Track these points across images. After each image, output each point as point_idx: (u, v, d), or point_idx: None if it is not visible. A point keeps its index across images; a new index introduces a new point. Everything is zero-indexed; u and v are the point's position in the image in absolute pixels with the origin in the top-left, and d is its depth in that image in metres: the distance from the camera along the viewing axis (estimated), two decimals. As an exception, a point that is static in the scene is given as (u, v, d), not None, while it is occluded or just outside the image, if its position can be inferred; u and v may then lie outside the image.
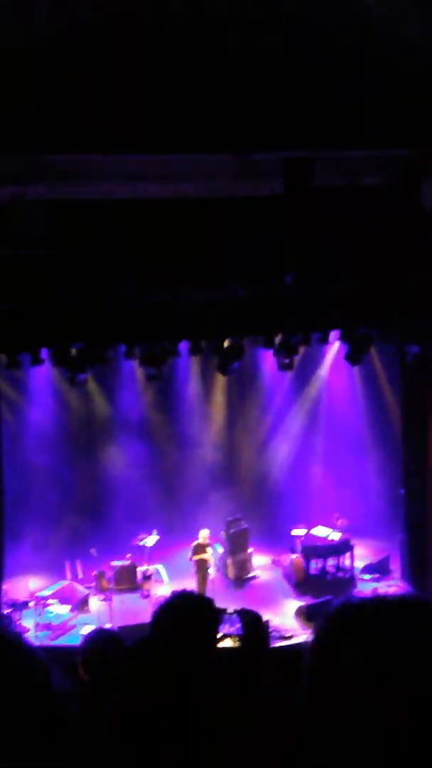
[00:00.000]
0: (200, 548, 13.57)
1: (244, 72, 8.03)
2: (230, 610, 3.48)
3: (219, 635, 3.15)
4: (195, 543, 13.63)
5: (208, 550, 13.70)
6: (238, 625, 3.51)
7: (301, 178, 7.51)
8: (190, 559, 13.60)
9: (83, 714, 3.43)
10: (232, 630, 3.39)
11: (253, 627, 3.39)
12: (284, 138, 7.90)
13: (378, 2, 7.76)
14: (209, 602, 3.26)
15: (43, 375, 14.60)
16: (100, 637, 4.22)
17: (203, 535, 13.75)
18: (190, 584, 13.61)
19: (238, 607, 3.64)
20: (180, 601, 3.20)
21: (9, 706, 1.54)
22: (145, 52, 7.82)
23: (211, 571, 13.62)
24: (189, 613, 3.12)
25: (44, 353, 11.17)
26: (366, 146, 7.89)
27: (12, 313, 9.85)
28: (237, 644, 3.39)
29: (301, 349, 12.73)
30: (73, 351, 11.04)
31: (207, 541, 13.72)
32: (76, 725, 2.96)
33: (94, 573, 14.16)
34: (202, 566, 13.53)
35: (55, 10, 7.29)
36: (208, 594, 13.13)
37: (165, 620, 3.11)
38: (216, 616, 3.23)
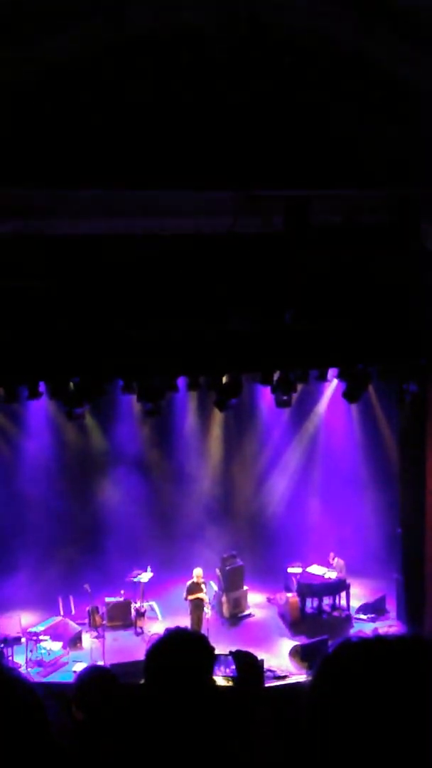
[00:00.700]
0: (195, 587, 13.42)
1: (246, 114, 8.15)
2: (225, 651, 3.45)
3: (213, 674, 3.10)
4: (190, 582, 13.50)
5: (203, 588, 13.54)
6: (233, 667, 3.47)
7: (301, 216, 7.59)
8: (186, 599, 13.45)
9: (80, 750, 3.37)
10: (227, 671, 3.36)
11: (248, 669, 3.36)
12: (285, 177, 7.99)
13: (376, 44, 7.91)
14: (203, 639, 3.23)
15: (41, 408, 14.58)
16: (93, 674, 4.16)
17: (197, 574, 13.61)
18: (185, 622, 13.45)
19: (233, 648, 3.60)
20: (173, 638, 3.17)
21: (7, 740, 1.51)
22: (149, 95, 7.95)
23: (207, 610, 13.43)
24: (183, 650, 3.09)
25: (42, 387, 11.17)
26: (364, 186, 7.99)
27: (10, 346, 9.87)
28: (230, 684, 3.36)
29: (299, 386, 12.74)
30: (71, 385, 11.04)
31: (201, 580, 13.57)
32: (73, 760, 2.91)
33: (88, 609, 14.00)
34: (197, 606, 13.37)
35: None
36: (203, 633, 13.00)
37: (159, 659, 3.08)
38: (210, 653, 3.19)
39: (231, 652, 3.40)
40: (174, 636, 3.17)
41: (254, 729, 3.14)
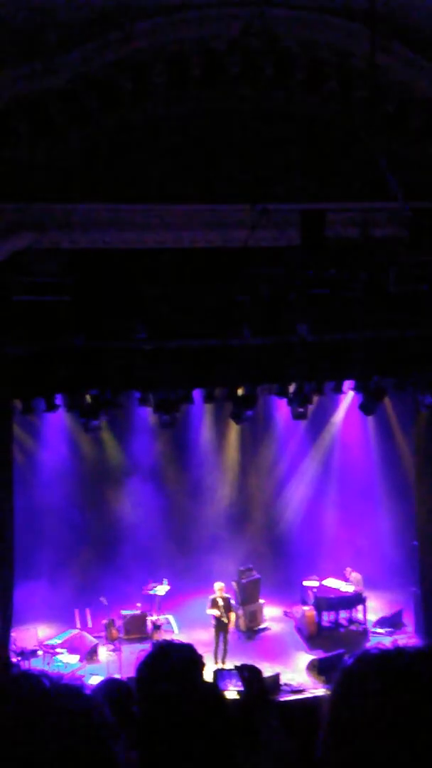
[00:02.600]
0: (213, 603, 13.32)
1: (261, 127, 8.20)
2: (230, 666, 3.48)
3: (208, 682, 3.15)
4: (212, 597, 13.39)
5: (219, 603, 13.34)
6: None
7: (317, 229, 7.61)
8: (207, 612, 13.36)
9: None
10: (238, 683, 3.38)
11: (253, 682, 3.37)
12: (301, 190, 8.02)
13: (392, 59, 7.94)
14: (190, 649, 3.26)
15: (58, 420, 14.63)
16: (109, 687, 4.16)
17: (218, 587, 13.50)
18: (201, 635, 13.43)
19: (247, 662, 3.62)
20: (160, 651, 3.20)
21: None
22: (164, 109, 8.01)
23: (226, 620, 13.26)
24: (170, 662, 3.12)
25: (59, 399, 11.22)
26: (380, 198, 8.00)
27: (28, 359, 9.94)
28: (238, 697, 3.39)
29: (315, 398, 12.73)
30: (88, 397, 11.09)
31: (220, 595, 13.43)
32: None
33: (104, 622, 14.00)
34: (218, 621, 13.27)
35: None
36: (221, 648, 12.94)
37: (147, 672, 3.11)
38: (198, 662, 3.22)
39: (236, 666, 3.42)
40: (161, 649, 3.21)
41: (261, 739, 3.15)
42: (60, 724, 1.43)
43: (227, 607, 13.31)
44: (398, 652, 1.47)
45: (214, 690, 3.17)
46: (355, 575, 15.05)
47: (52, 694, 1.48)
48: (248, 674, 3.37)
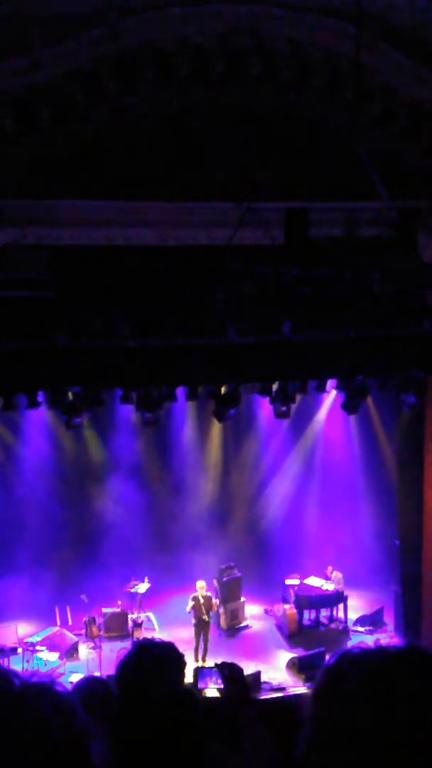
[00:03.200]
0: (196, 600, 13.30)
1: (246, 126, 8.19)
2: (210, 663, 3.49)
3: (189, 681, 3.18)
4: (193, 595, 13.37)
5: (200, 600, 13.34)
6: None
7: (301, 228, 7.61)
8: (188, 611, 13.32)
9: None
10: (218, 682, 3.39)
11: (231, 680, 3.37)
12: (285, 189, 8.03)
13: (376, 59, 7.96)
14: (170, 647, 3.26)
15: (39, 417, 14.56)
16: (89, 686, 4.14)
17: (199, 586, 13.48)
18: (182, 633, 13.42)
19: (228, 660, 3.61)
20: (141, 649, 3.20)
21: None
22: (150, 107, 7.99)
23: (206, 619, 13.26)
24: (150, 660, 3.12)
25: (41, 396, 11.16)
26: (363, 198, 8.02)
27: (9, 355, 9.88)
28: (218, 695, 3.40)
29: (298, 397, 12.74)
30: (70, 394, 11.04)
31: (203, 593, 13.41)
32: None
33: (84, 619, 13.95)
34: (198, 620, 13.27)
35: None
36: (202, 646, 12.95)
37: (128, 670, 3.10)
38: (179, 660, 3.22)
39: (216, 664, 3.42)
40: (142, 647, 3.21)
41: (242, 737, 3.15)
42: (30, 723, 1.41)
43: (208, 605, 13.31)
44: (379, 651, 1.47)
45: (193, 690, 3.18)
46: (336, 574, 15.10)
47: (23, 692, 1.46)
48: (229, 672, 3.37)
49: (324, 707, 1.44)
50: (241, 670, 3.43)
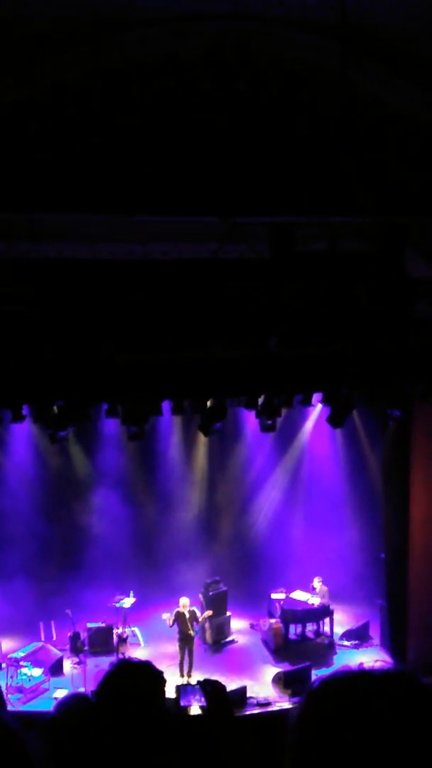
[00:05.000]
0: (180, 616, 13.19)
1: (231, 140, 8.22)
2: (202, 679, 3.46)
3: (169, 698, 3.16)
4: (176, 610, 13.26)
5: (185, 616, 13.21)
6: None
7: (287, 243, 7.64)
8: (170, 626, 13.17)
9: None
10: (201, 699, 3.35)
11: (216, 697, 3.35)
12: (270, 203, 8.06)
13: (362, 74, 8.02)
14: (149, 666, 3.24)
15: (23, 431, 14.50)
16: (74, 702, 4.10)
17: (182, 603, 13.37)
18: (167, 648, 13.35)
19: (211, 677, 3.60)
20: (120, 670, 3.18)
21: None
22: (134, 121, 8.00)
23: (192, 633, 13.16)
24: (130, 680, 3.10)
25: (25, 410, 11.12)
26: (349, 213, 8.07)
27: (-5, 368, 9.85)
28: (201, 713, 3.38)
29: (284, 411, 12.76)
30: (55, 408, 11.00)
31: (187, 609, 13.30)
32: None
33: (69, 635, 13.85)
34: (183, 635, 13.16)
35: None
36: (187, 661, 12.87)
37: (107, 690, 3.09)
38: (157, 679, 3.20)
39: (198, 681, 3.40)
40: (121, 667, 3.19)
41: (225, 755, 3.13)
42: None
43: (192, 620, 13.22)
44: (364, 674, 1.46)
45: (175, 708, 3.17)
46: (321, 587, 15.08)
47: None
48: (211, 689, 3.35)
49: (307, 731, 1.44)
50: (224, 688, 3.41)
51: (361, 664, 1.51)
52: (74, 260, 9.05)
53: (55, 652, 13.73)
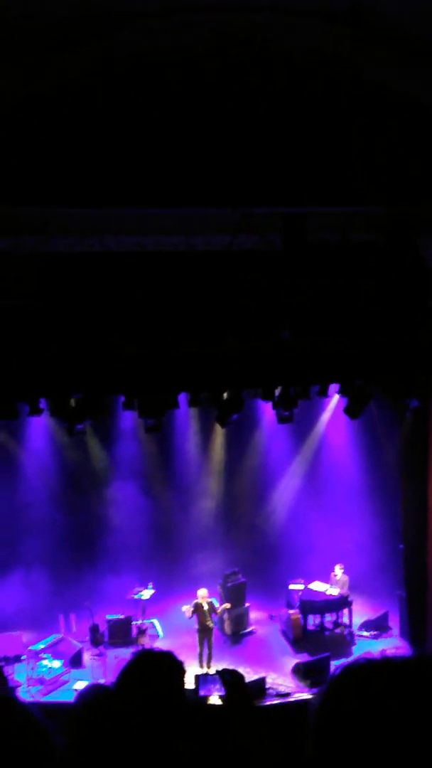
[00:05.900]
0: (199, 607, 13.24)
1: (243, 132, 8.19)
2: (212, 671, 3.48)
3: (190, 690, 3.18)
4: (195, 602, 13.29)
5: (204, 608, 13.28)
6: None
7: (298, 233, 7.62)
8: (189, 617, 13.21)
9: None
10: (221, 689, 3.36)
11: (235, 687, 3.36)
12: (282, 194, 8.03)
13: (369, 60, 7.96)
14: (170, 656, 3.25)
15: (41, 424, 14.55)
16: (94, 693, 4.12)
17: (201, 594, 13.41)
18: (186, 640, 13.39)
19: (230, 667, 3.60)
20: (141, 659, 3.19)
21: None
22: (146, 115, 7.99)
23: (210, 624, 13.19)
24: (151, 670, 3.12)
25: (43, 403, 11.16)
26: (361, 203, 8.03)
27: (11, 362, 9.88)
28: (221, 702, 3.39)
29: (301, 402, 12.72)
30: (72, 401, 11.03)
31: (205, 601, 13.33)
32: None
33: (89, 627, 13.93)
34: (202, 626, 13.21)
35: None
36: (206, 652, 12.91)
37: (129, 680, 3.10)
38: (179, 669, 3.22)
39: (217, 671, 3.41)
40: (141, 657, 3.21)
41: (245, 744, 3.14)
42: None
43: (211, 611, 13.25)
44: (385, 662, 1.47)
45: (194, 697, 3.18)
46: (342, 576, 15.04)
47: None
48: (230, 678, 3.36)
49: (328, 719, 1.44)
50: (243, 677, 3.42)
51: (383, 651, 1.51)
52: (85, 253, 9.06)
53: (75, 643, 13.81)
